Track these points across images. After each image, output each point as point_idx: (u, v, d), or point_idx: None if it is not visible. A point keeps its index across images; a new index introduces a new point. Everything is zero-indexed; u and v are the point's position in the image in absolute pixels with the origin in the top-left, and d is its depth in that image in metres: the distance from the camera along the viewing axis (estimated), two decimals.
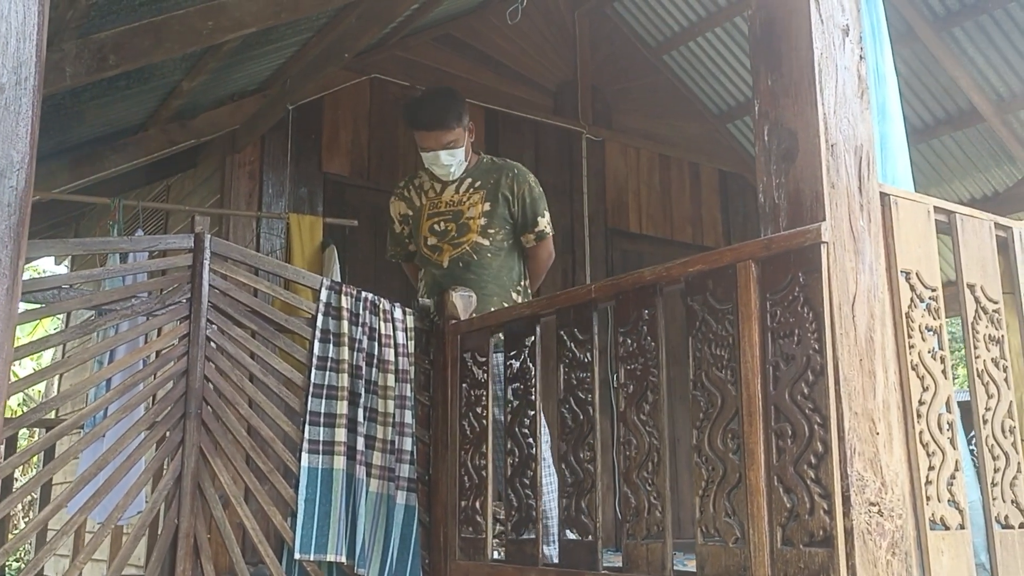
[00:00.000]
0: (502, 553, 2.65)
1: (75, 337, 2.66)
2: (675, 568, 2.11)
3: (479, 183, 3.36)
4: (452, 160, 3.33)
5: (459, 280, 3.23)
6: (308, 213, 4.84)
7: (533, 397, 2.58)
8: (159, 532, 2.53)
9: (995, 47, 5.51)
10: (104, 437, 2.97)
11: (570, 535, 2.38)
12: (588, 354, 2.41)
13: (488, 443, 2.72)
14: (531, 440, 2.56)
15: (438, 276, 3.29)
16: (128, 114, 4.39)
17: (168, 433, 2.56)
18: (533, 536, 2.48)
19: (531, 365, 2.60)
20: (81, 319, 5.49)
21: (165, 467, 2.58)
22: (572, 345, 2.46)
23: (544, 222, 3.38)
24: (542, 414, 2.65)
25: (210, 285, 2.64)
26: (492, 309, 3.23)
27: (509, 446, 2.62)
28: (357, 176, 5.19)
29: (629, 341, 2.26)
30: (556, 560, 2.45)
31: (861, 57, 2.03)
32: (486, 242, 3.30)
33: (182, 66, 3.92)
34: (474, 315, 3.02)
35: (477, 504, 2.71)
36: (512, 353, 2.67)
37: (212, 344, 2.63)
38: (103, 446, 3.17)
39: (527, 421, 2.59)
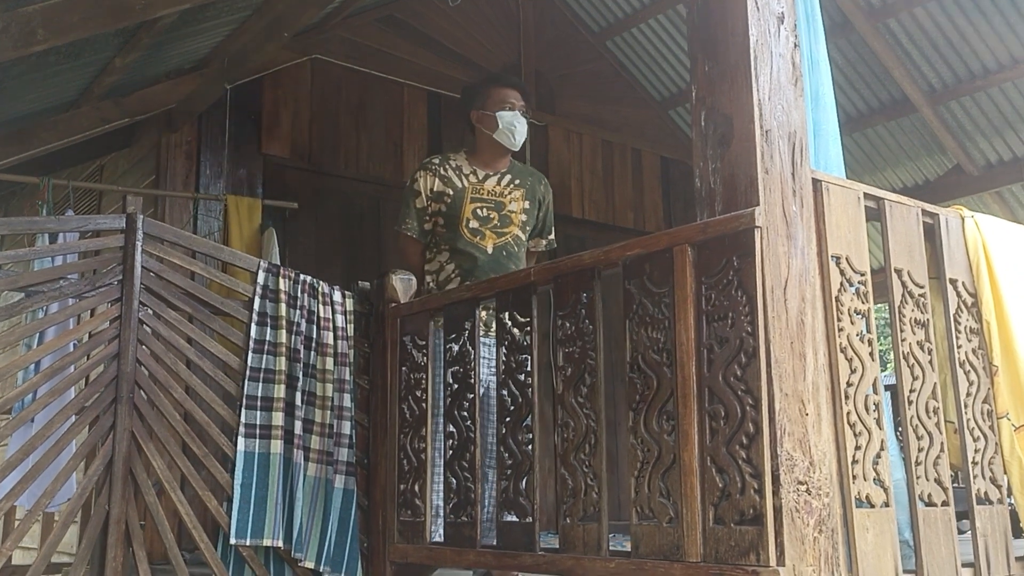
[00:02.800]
0: (440, 535, 2.66)
1: (2, 319, 2.59)
2: (612, 548, 2.14)
3: (518, 181, 3.46)
4: (521, 126, 3.44)
5: (503, 268, 3.28)
6: (247, 195, 4.76)
7: (472, 380, 2.58)
8: (90, 518, 2.48)
9: (928, 39, 5.64)
10: (33, 421, 2.89)
11: (508, 517, 2.39)
12: (528, 337, 2.42)
13: (427, 426, 2.72)
14: (470, 423, 2.57)
15: (481, 260, 3.30)
16: (59, 91, 4.26)
17: (99, 417, 2.51)
18: (471, 519, 2.49)
19: (470, 348, 2.60)
20: (10, 300, 5.34)
21: (96, 452, 2.52)
22: (512, 328, 2.46)
23: (553, 233, 3.57)
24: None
25: (143, 267, 2.59)
26: None
27: (448, 429, 2.62)
28: (297, 158, 5.12)
29: (568, 324, 2.27)
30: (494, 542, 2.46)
31: (795, 45, 2.06)
32: (523, 236, 3.42)
33: (115, 42, 3.81)
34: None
35: (416, 487, 2.71)
36: (452, 336, 2.66)
37: (145, 327, 2.58)
38: (32, 430, 3.09)
39: (466, 404, 2.59)
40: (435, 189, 3.39)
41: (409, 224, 3.43)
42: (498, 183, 3.44)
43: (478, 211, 3.36)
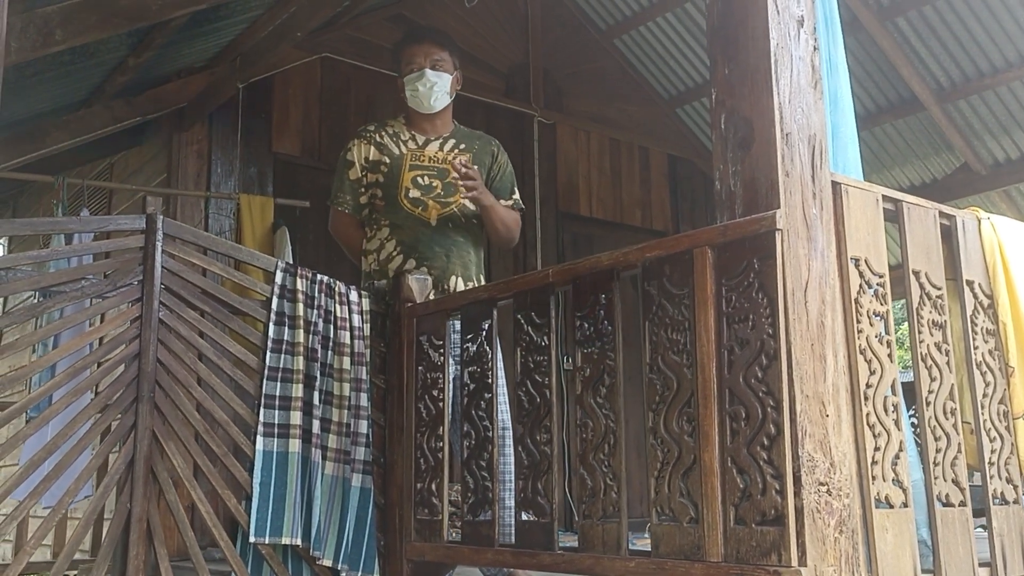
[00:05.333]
0: (457, 535, 2.68)
1: (21, 321, 2.60)
2: (628, 548, 2.15)
3: (463, 146, 3.23)
4: (437, 80, 3.13)
5: (448, 240, 3.11)
6: (258, 193, 4.78)
7: (490, 380, 2.60)
8: (110, 517, 2.50)
9: (937, 37, 5.65)
10: (49, 424, 2.90)
11: (525, 516, 2.41)
12: (545, 338, 2.43)
13: (444, 426, 2.74)
14: (487, 423, 2.58)
15: (425, 234, 3.09)
16: (72, 90, 4.28)
17: (120, 417, 2.53)
18: (489, 517, 2.50)
19: (487, 348, 2.62)
20: (20, 301, 5.37)
21: (116, 451, 2.54)
22: (529, 329, 2.48)
23: (517, 195, 3.32)
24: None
25: (163, 267, 2.60)
26: (473, 274, 3.20)
27: (466, 428, 2.64)
28: (308, 156, 5.14)
29: (586, 325, 2.29)
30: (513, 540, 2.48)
31: (815, 48, 2.08)
32: (473, 207, 3.17)
33: (128, 42, 3.83)
34: (460, 281, 3.13)
35: (433, 486, 2.72)
36: (469, 336, 2.68)
37: (165, 327, 2.60)
38: (48, 432, 3.11)
39: (483, 404, 2.61)
40: (371, 158, 3.15)
41: (342, 198, 3.20)
42: (440, 148, 3.20)
43: (419, 179, 3.12)
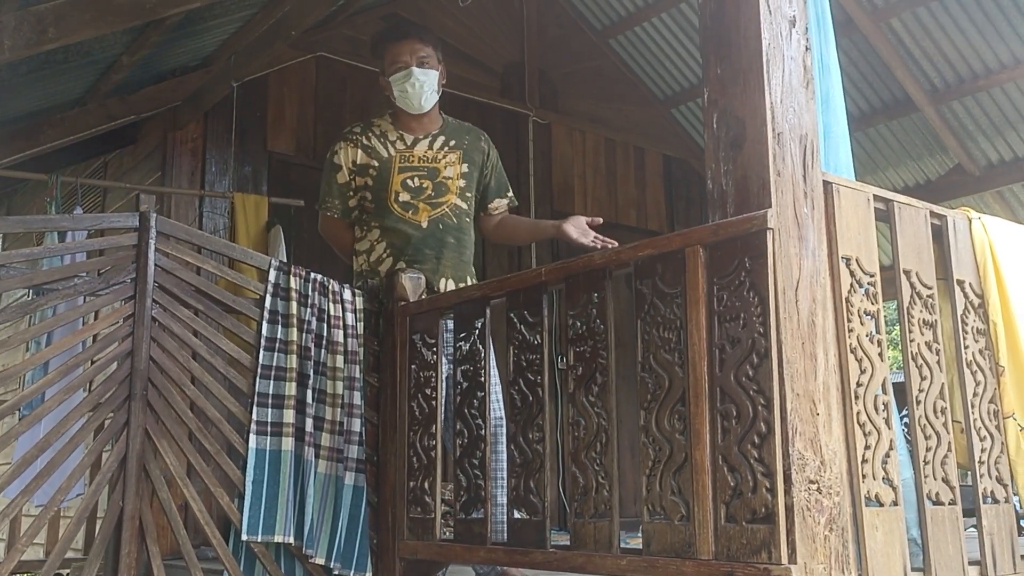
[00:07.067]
0: (450, 533, 2.68)
1: (14, 318, 2.60)
2: (620, 546, 2.16)
3: (453, 143, 3.18)
4: (425, 79, 3.07)
5: (440, 243, 3.07)
6: (252, 192, 4.78)
7: (483, 379, 2.60)
8: (102, 515, 2.50)
9: (931, 38, 5.67)
10: (41, 421, 2.90)
11: (518, 514, 2.41)
12: (537, 336, 2.44)
13: (437, 424, 2.74)
14: (480, 421, 2.59)
15: (415, 237, 3.05)
16: (66, 88, 4.28)
17: (113, 415, 2.53)
18: (482, 516, 2.51)
19: (481, 347, 2.62)
20: (12, 299, 5.35)
21: (109, 449, 2.54)
22: (522, 327, 2.48)
23: (510, 188, 3.28)
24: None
25: (156, 265, 2.60)
26: (464, 274, 3.17)
27: (458, 427, 2.64)
28: (302, 155, 5.14)
29: (579, 324, 2.29)
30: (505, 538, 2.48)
31: (807, 48, 2.08)
32: (464, 205, 3.11)
33: (123, 40, 3.83)
34: (450, 282, 3.11)
35: (426, 484, 2.73)
36: (462, 335, 2.68)
37: (158, 325, 2.60)
38: (41, 429, 3.11)
39: (476, 402, 2.61)
40: (358, 161, 3.09)
41: (330, 203, 3.16)
42: (430, 147, 3.13)
43: (408, 182, 3.06)
